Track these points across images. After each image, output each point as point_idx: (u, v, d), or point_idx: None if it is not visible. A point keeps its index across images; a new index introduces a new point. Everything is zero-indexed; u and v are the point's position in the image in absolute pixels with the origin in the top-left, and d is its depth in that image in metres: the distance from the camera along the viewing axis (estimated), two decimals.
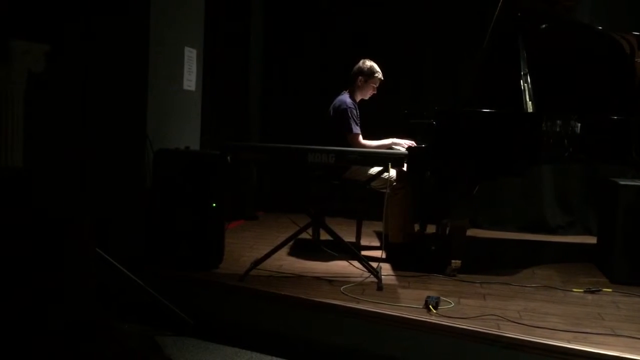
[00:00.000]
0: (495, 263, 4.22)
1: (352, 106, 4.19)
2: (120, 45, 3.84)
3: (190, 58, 4.38)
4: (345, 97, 4.25)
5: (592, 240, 4.57)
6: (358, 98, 4.35)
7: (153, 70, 3.91)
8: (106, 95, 3.84)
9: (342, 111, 4.17)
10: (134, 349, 1.13)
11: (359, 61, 4.33)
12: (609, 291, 3.55)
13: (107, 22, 3.82)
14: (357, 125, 4.19)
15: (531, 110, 3.77)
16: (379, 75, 4.30)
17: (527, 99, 3.79)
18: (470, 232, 4.46)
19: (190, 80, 4.39)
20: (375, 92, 4.35)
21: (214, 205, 3.64)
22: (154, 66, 3.91)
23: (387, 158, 3.45)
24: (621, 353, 2.56)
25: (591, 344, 2.67)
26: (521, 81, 3.86)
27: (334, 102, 4.28)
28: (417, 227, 4.68)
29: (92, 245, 1.11)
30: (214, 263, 3.72)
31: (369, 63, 4.29)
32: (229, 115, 5.18)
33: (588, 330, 2.86)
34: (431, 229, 4.91)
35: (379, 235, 4.74)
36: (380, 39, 5.50)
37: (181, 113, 4.32)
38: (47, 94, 3.73)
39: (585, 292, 3.53)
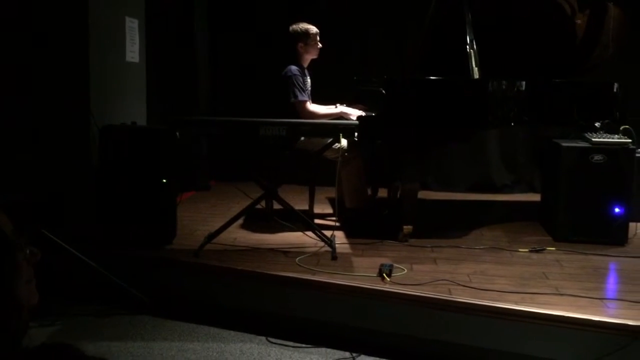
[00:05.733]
0: (445, 225, 4.31)
1: (298, 73, 4.16)
2: (57, 17, 3.68)
3: (132, 29, 4.24)
4: (291, 66, 4.21)
5: (536, 197, 4.72)
6: (307, 61, 4.32)
7: (93, 43, 3.77)
8: (45, 70, 3.69)
9: (287, 78, 4.15)
10: None
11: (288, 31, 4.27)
12: (552, 249, 3.69)
13: None
14: (303, 91, 4.17)
15: (477, 77, 3.82)
16: (313, 29, 4.25)
17: (473, 65, 3.83)
18: (420, 194, 4.52)
19: (133, 52, 4.25)
20: (321, 45, 4.31)
21: (164, 181, 3.59)
22: (94, 38, 3.78)
23: (338, 129, 3.46)
24: (565, 312, 2.68)
25: (537, 304, 2.78)
26: (467, 47, 3.90)
27: (283, 71, 4.24)
28: (369, 191, 4.74)
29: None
30: (168, 239, 3.69)
31: (299, 25, 4.24)
32: (177, 87, 5.06)
33: (534, 290, 2.97)
34: (383, 193, 4.99)
35: (331, 201, 4.78)
36: (328, 5, 5.43)
37: (125, 87, 4.20)
38: None
39: (530, 251, 3.66)
